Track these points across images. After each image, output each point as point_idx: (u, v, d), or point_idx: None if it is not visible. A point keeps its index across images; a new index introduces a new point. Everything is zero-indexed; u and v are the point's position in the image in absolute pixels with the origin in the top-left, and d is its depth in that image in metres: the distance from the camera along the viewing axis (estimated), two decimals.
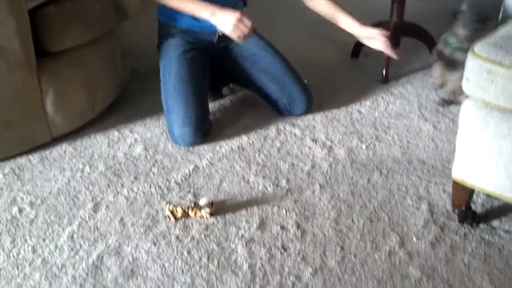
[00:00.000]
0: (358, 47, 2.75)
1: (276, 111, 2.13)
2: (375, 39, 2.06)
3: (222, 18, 1.83)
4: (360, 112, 2.19)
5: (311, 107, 2.14)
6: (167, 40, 2.06)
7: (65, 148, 1.91)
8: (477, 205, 1.61)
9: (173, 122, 1.91)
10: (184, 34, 2.05)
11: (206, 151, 1.90)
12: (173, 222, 1.54)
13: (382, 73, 2.46)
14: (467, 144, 1.44)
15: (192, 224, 1.54)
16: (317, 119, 2.11)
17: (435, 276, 1.36)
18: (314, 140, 1.97)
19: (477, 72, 1.33)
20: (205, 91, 2.05)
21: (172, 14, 2.00)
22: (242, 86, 2.26)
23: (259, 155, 1.88)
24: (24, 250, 1.44)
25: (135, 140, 1.97)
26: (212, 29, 1.96)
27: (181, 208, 1.55)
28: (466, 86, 1.38)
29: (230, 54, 2.15)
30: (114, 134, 2.01)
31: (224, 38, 2.02)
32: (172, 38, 2.05)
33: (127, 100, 2.22)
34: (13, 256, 1.42)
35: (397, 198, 1.66)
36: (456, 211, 1.57)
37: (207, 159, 1.86)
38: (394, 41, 2.52)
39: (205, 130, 1.96)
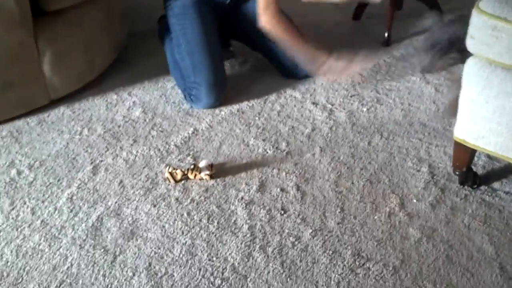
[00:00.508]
0: (360, 9, 2.70)
1: (281, 72, 2.10)
2: None
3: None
4: (361, 75, 2.15)
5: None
6: (176, 1, 2.01)
7: (63, 111, 1.89)
8: (478, 167, 1.60)
9: (201, 79, 1.87)
10: None
11: (205, 114, 1.88)
12: (172, 184, 1.54)
13: (384, 36, 2.42)
14: (469, 103, 1.42)
15: (191, 186, 1.53)
16: (318, 82, 2.08)
17: (435, 236, 1.36)
18: (315, 103, 1.95)
19: (482, 28, 1.30)
20: (221, 54, 2.03)
21: None
22: (248, 45, 2.21)
23: (259, 118, 1.87)
24: (23, 212, 1.44)
25: (134, 103, 1.95)
26: None
27: (181, 170, 1.55)
28: (470, 44, 1.35)
29: (239, 15, 2.11)
30: (113, 97, 1.98)
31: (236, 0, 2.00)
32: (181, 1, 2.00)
33: (126, 62, 2.19)
34: (12, 218, 1.42)
35: (398, 160, 1.65)
36: (457, 172, 1.56)
37: (207, 122, 1.84)
38: (398, 2, 2.48)
39: (225, 92, 1.94)
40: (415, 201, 1.48)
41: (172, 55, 1.99)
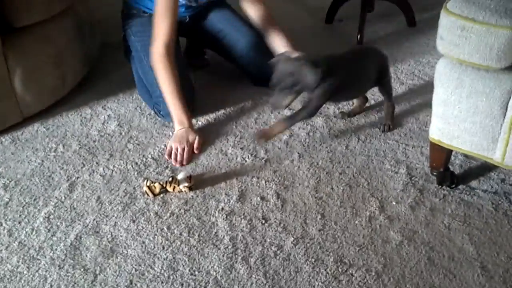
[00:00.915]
0: (332, 12, 2.72)
1: (250, 80, 2.10)
2: None
3: (176, 133, 1.75)
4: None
5: None
6: (137, 19, 1.99)
7: (37, 128, 1.86)
8: (455, 167, 1.62)
9: (161, 97, 1.82)
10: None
11: None
12: (151, 198, 1.52)
13: (357, 38, 2.44)
14: (442, 104, 1.43)
15: (171, 200, 1.52)
16: None
17: (416, 239, 1.37)
18: (290, 109, 1.94)
19: (451, 29, 1.32)
20: (185, 65, 2.00)
21: None
22: (219, 54, 2.21)
23: (236, 126, 1.86)
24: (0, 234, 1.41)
25: (109, 116, 1.92)
26: (182, 14, 1.97)
27: (159, 183, 1.53)
28: (440, 45, 1.37)
29: (200, 30, 2.12)
30: (87, 111, 1.96)
31: (196, 18, 1.99)
32: (141, 19, 1.99)
33: (98, 75, 2.17)
34: None
35: (376, 163, 1.66)
36: (434, 173, 1.57)
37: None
38: (369, 4, 2.51)
39: (193, 105, 1.91)
40: (394, 203, 1.49)
41: (137, 73, 1.97)
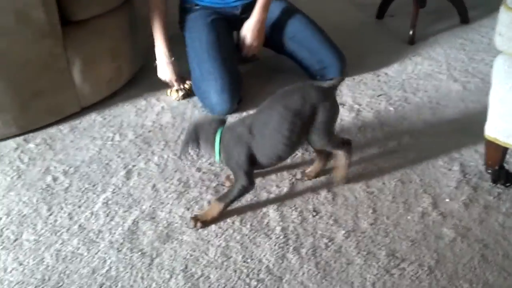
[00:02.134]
0: (383, 8, 2.70)
1: (307, 73, 2.10)
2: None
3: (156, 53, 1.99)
4: (387, 74, 2.15)
5: (344, 71, 2.08)
6: (190, 14, 2.04)
7: (94, 118, 1.93)
8: (510, 165, 1.59)
9: (210, 88, 1.88)
10: (208, 9, 2.04)
11: (233, 118, 1.90)
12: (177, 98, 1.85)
13: (409, 34, 2.41)
14: (500, 101, 1.41)
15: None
16: (343, 83, 2.08)
17: (470, 236, 1.36)
18: (342, 104, 1.95)
19: (510, 25, 1.30)
20: (235, 57, 2.04)
21: None
22: (273, 50, 2.23)
23: None
24: (60, 217, 1.47)
25: (162, 108, 1.97)
26: (234, 4, 2.02)
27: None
28: (498, 41, 1.35)
29: None
30: (142, 102, 2.02)
31: (248, 9, 2.03)
32: (195, 14, 2.03)
33: (153, 68, 2.21)
34: (51, 223, 1.45)
35: (429, 159, 1.64)
36: (489, 171, 1.55)
37: None
38: (421, 0, 2.47)
39: (240, 96, 1.95)
40: (447, 200, 1.48)
41: (191, 70, 2.02)
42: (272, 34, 2.09)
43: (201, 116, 1.72)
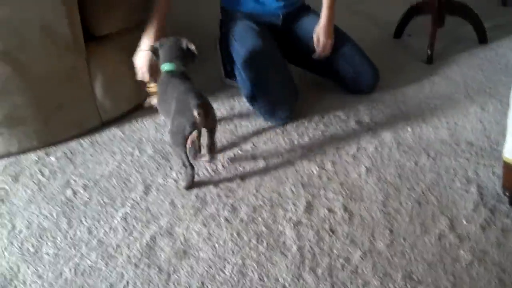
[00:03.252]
0: (401, 27, 2.71)
1: (343, 87, 2.15)
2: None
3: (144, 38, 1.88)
4: (404, 93, 2.16)
5: (378, 81, 2.13)
6: (235, 24, 2.07)
7: (114, 132, 1.96)
8: None
9: (272, 99, 1.93)
10: (249, 17, 2.09)
11: (250, 134, 1.92)
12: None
13: (427, 53, 2.42)
14: None
15: (240, 206, 1.56)
16: (361, 101, 2.09)
17: (487, 259, 1.35)
18: (359, 122, 1.96)
19: None
20: (287, 65, 2.08)
21: (235, 0, 2.06)
22: (304, 67, 2.26)
23: (302, 138, 1.89)
24: (80, 231, 1.49)
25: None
26: (276, 11, 2.08)
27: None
28: None
29: (292, 35, 2.17)
30: (161, 118, 2.04)
31: (288, 19, 2.10)
32: (240, 22, 2.07)
33: None
34: (70, 237, 1.47)
35: (446, 180, 1.64)
36: (506, 193, 1.54)
37: (252, 142, 1.87)
38: (440, 19, 2.49)
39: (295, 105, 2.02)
40: (465, 222, 1.47)
41: (241, 78, 2.03)
42: (305, 49, 2.12)
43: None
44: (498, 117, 1.94)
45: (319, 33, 2.08)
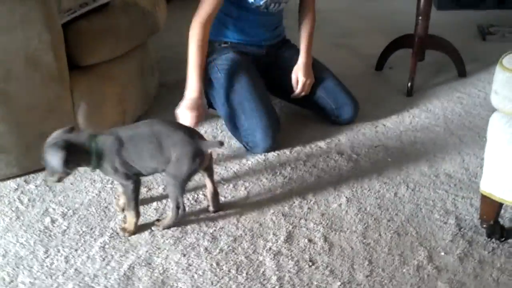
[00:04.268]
0: (383, 60, 2.76)
1: (323, 117, 2.19)
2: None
3: (184, 105, 1.87)
4: (385, 125, 2.19)
5: (357, 113, 2.17)
6: (220, 55, 2.10)
7: None
8: (505, 220, 1.60)
9: (254, 125, 1.95)
10: (233, 47, 2.13)
11: (232, 163, 1.93)
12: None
13: (407, 86, 2.46)
14: (495, 157, 1.44)
15: (220, 236, 1.56)
16: (342, 132, 2.12)
17: None
18: (340, 153, 1.98)
19: (506, 85, 1.34)
20: (268, 95, 2.12)
21: (222, 30, 2.11)
22: (284, 99, 2.29)
23: (284, 168, 1.90)
24: (57, 260, 1.47)
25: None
26: (260, 43, 2.14)
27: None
28: (494, 99, 1.39)
29: (274, 67, 2.22)
30: None
31: (271, 52, 2.14)
32: (225, 53, 2.10)
33: (155, 113, 2.26)
34: (47, 266, 1.45)
35: (424, 212, 1.66)
36: (484, 225, 1.56)
37: (234, 171, 1.88)
38: (420, 53, 2.54)
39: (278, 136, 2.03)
40: (443, 254, 1.48)
41: (224, 108, 2.06)
42: (287, 80, 2.15)
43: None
44: (477, 150, 1.97)
45: (297, 73, 2.12)
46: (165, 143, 1.49)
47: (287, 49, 2.24)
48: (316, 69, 2.16)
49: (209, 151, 1.56)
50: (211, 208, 1.67)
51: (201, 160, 1.52)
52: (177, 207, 1.56)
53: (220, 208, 1.67)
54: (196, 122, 1.85)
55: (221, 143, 1.55)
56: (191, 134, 1.54)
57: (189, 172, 1.52)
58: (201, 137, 1.57)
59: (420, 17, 2.51)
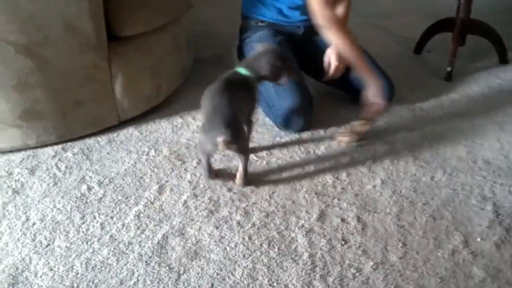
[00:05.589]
0: (422, 43, 2.70)
1: (359, 98, 2.10)
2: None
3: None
4: (423, 109, 2.15)
5: (394, 94, 2.10)
6: (255, 33, 2.08)
7: (131, 132, 1.97)
8: None
9: (288, 105, 1.92)
10: (270, 26, 2.10)
11: (266, 141, 1.92)
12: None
13: (447, 71, 2.41)
14: None
15: (252, 211, 1.56)
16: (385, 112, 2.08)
17: (500, 277, 1.33)
18: (375, 135, 1.95)
19: None
20: (301, 73, 2.09)
21: (259, 8, 2.08)
22: (318, 79, 2.26)
23: (318, 147, 1.88)
24: (93, 227, 1.49)
25: (197, 127, 2.01)
26: (298, 23, 2.10)
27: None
28: None
29: (310, 47, 2.18)
30: (178, 120, 2.05)
31: (308, 32, 2.10)
32: (261, 30, 2.08)
33: (190, 88, 2.26)
34: (83, 232, 1.47)
35: (461, 197, 1.63)
36: None
37: (267, 149, 1.87)
38: (461, 37, 2.48)
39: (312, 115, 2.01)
40: (479, 239, 1.46)
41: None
42: (321, 61, 2.12)
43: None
44: None
45: (330, 56, 2.07)
46: None
47: None
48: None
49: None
50: (237, 182, 1.68)
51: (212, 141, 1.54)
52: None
53: (248, 183, 1.68)
54: None
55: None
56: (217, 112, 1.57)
57: (199, 143, 1.63)
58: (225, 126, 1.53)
59: (462, 1, 2.45)
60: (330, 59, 2.07)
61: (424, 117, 2.09)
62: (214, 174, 1.71)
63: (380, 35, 2.95)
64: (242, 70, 1.67)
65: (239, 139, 1.56)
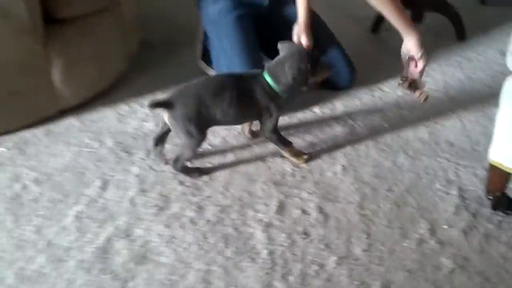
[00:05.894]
0: (379, 22, 2.62)
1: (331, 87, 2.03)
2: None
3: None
4: (382, 90, 2.07)
5: (355, 80, 2.04)
6: (211, 5, 1.93)
7: (72, 122, 1.81)
8: (511, 191, 1.50)
9: None
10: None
11: (219, 128, 1.80)
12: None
13: None
14: (508, 125, 1.32)
15: (206, 206, 1.44)
16: (337, 97, 1.99)
17: (469, 267, 1.27)
18: (335, 119, 1.86)
19: None
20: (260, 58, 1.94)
21: None
22: None
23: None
24: (27, 231, 1.35)
25: (146, 115, 1.86)
26: None
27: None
28: (510, 61, 1.27)
29: (274, 20, 2.03)
30: (124, 108, 1.90)
31: (274, 4, 1.97)
32: (221, 2, 1.93)
33: (138, 72, 2.11)
34: (16, 237, 1.33)
35: (425, 182, 1.55)
36: (489, 197, 1.46)
37: (222, 136, 1.75)
38: (418, 15, 2.41)
39: None
40: (446, 227, 1.39)
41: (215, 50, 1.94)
42: (287, 35, 1.98)
43: None
44: (479, 116, 1.87)
45: (299, 35, 1.88)
46: None
47: (292, 4, 1.98)
48: (319, 32, 1.96)
49: None
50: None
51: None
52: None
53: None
54: None
55: None
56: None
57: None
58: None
59: None
60: (300, 38, 1.86)
61: (384, 98, 2.01)
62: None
63: (337, 16, 2.84)
64: (268, 78, 1.53)
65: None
